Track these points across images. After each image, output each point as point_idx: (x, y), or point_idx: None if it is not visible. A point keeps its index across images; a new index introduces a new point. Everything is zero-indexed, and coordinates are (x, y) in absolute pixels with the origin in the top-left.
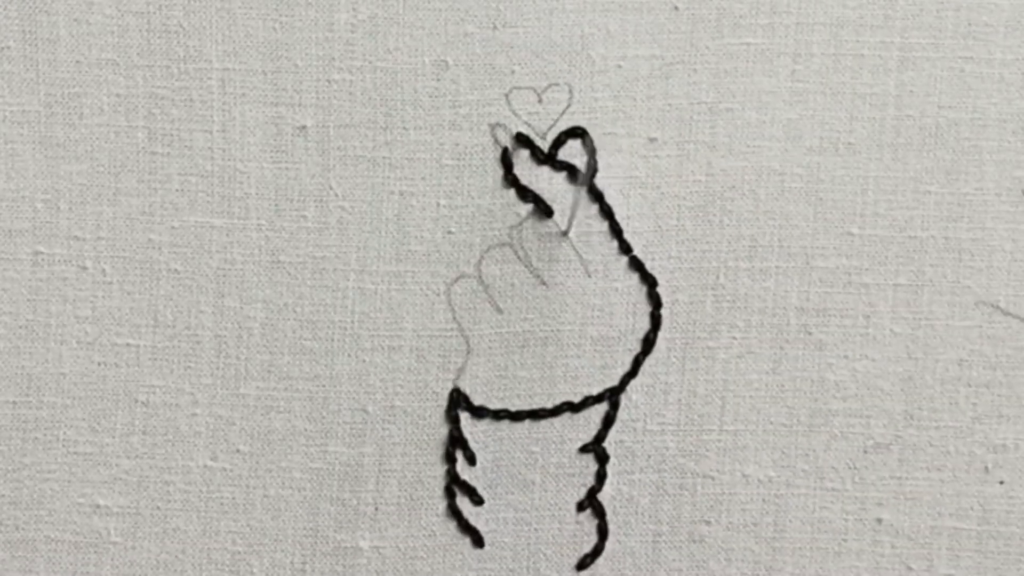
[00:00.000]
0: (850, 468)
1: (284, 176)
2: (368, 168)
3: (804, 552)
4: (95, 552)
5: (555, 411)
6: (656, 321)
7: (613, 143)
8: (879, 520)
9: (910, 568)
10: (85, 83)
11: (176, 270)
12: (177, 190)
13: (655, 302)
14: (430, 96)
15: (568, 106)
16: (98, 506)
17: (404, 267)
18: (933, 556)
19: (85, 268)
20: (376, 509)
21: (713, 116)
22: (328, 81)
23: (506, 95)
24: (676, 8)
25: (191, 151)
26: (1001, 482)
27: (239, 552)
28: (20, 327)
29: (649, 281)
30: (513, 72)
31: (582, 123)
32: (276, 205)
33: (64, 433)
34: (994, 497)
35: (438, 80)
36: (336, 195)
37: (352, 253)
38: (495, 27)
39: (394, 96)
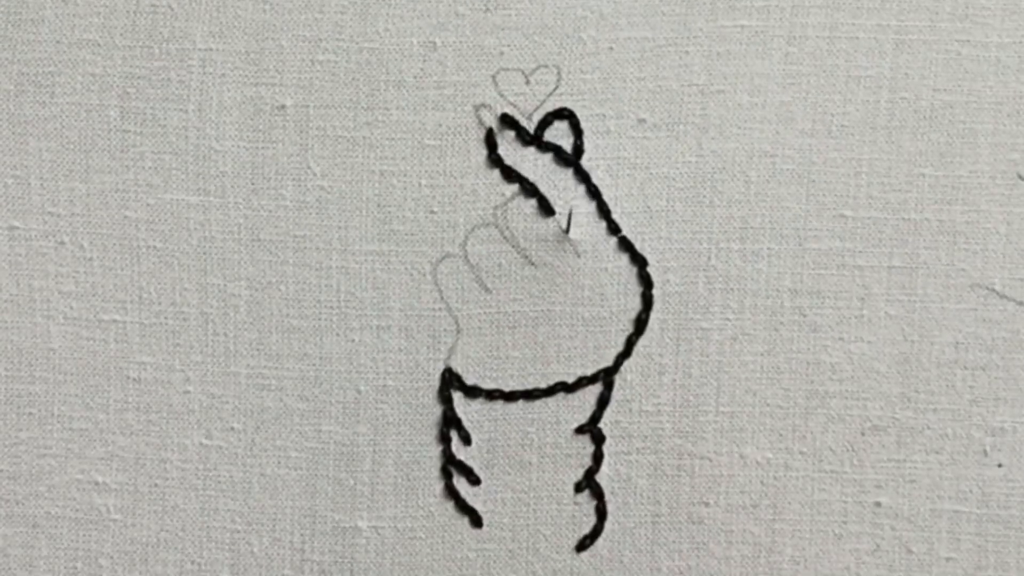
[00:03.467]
0: (848, 450)
1: (260, 155)
2: (348, 148)
3: (803, 534)
4: (96, 529)
5: (549, 391)
6: (647, 301)
7: (601, 124)
8: (878, 503)
9: (911, 551)
10: (61, 62)
11: (156, 247)
12: (151, 168)
13: (646, 282)
14: (415, 77)
15: (556, 87)
16: (97, 483)
17: (388, 246)
18: (933, 539)
19: (63, 243)
20: (373, 489)
21: (704, 98)
22: (312, 62)
23: (493, 76)
24: None
25: (164, 130)
26: (1000, 465)
27: (239, 531)
28: (5, 301)
29: (639, 262)
30: (502, 54)
31: (570, 105)
32: (252, 183)
33: (59, 409)
34: (993, 480)
35: (424, 61)
36: (315, 174)
37: (334, 232)
38: (487, 9)
39: (378, 77)
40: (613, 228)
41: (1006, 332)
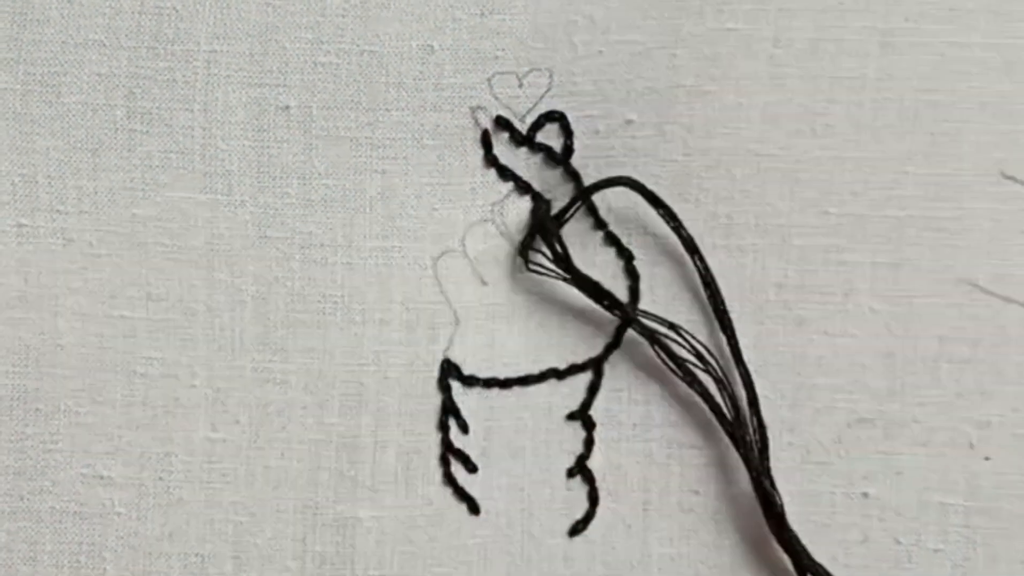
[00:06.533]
0: (836, 442)
1: (266, 154)
2: (350, 147)
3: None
4: (101, 523)
5: (541, 376)
6: (634, 294)
7: (590, 125)
8: (866, 494)
9: (899, 542)
10: (67, 63)
11: (163, 244)
12: (158, 166)
13: (632, 276)
14: (414, 79)
15: (548, 90)
16: (102, 477)
17: (390, 242)
18: (921, 531)
19: (71, 240)
20: (374, 480)
21: (691, 99)
22: (315, 63)
23: (488, 79)
24: None
25: (171, 129)
26: (987, 458)
27: (242, 523)
28: (13, 297)
29: (625, 255)
30: (497, 57)
31: (561, 107)
32: (259, 182)
33: (65, 404)
34: (981, 473)
35: (423, 64)
36: (319, 173)
37: (338, 229)
38: (483, 14)
39: (379, 79)
40: (599, 223)
41: (991, 327)
